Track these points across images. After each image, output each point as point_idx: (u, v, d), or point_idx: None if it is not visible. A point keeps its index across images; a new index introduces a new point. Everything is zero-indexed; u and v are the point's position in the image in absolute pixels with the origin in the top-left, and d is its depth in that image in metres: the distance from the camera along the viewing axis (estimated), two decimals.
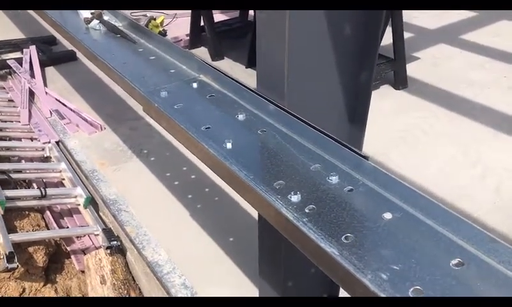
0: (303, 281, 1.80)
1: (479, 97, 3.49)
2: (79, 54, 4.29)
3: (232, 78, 1.49)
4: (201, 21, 4.39)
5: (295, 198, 1.03)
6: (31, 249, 2.34)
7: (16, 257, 2.12)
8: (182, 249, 2.28)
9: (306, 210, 1.00)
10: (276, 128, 1.30)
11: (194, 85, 1.55)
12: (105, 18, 2.11)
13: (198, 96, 1.49)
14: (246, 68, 4.12)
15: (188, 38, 4.53)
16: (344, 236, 0.93)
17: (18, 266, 2.12)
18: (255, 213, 2.48)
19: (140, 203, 2.59)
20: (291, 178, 1.10)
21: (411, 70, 3.82)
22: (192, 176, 2.79)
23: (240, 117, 1.36)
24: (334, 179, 1.08)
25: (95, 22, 2.08)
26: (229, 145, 1.23)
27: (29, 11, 4.95)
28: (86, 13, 2.15)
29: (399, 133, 3.12)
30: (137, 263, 2.34)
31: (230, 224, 2.43)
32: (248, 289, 2.06)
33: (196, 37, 4.47)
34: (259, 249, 1.76)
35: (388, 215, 0.97)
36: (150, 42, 1.90)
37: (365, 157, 1.06)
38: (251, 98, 1.41)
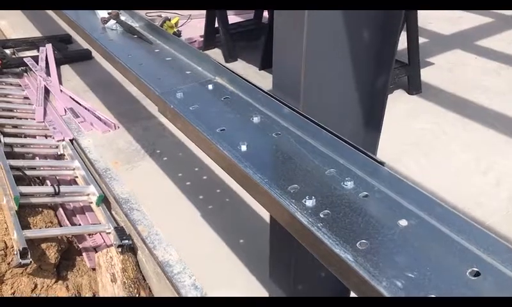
0: (313, 284, 1.80)
1: (493, 104, 3.46)
2: (94, 53, 4.33)
3: (247, 81, 1.50)
4: (216, 23, 4.41)
5: (309, 203, 1.03)
6: (43, 246, 2.37)
7: (29, 253, 2.14)
8: (193, 249, 2.28)
9: (321, 215, 1.00)
10: (291, 132, 1.30)
11: (210, 87, 1.56)
12: (122, 18, 2.13)
13: (214, 98, 1.50)
14: (260, 70, 4.12)
15: (202, 39, 4.55)
16: (358, 243, 0.92)
17: (31, 262, 2.14)
18: (265, 216, 2.49)
19: (152, 202, 2.60)
20: (306, 182, 1.10)
21: (426, 75, 3.80)
22: (204, 177, 2.80)
23: (255, 119, 1.37)
24: (349, 184, 1.08)
25: (112, 22, 2.10)
26: (244, 147, 1.23)
27: (46, 10, 5.00)
28: (102, 13, 2.17)
29: (412, 138, 3.11)
30: (148, 262, 2.35)
31: (241, 225, 2.44)
32: (258, 291, 2.06)
33: (211, 38, 4.48)
34: (270, 251, 1.76)
35: (403, 222, 0.97)
36: (167, 43, 1.92)
37: (381, 163, 1.06)
38: (266, 101, 1.41)
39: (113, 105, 3.59)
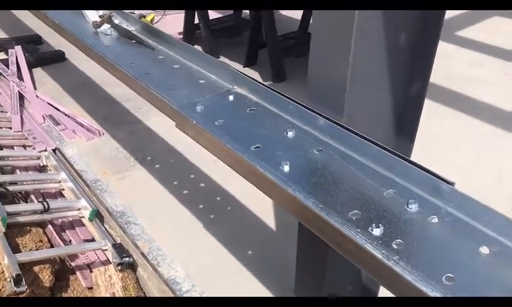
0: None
1: (483, 96, 3.47)
2: (68, 54, 4.11)
3: (272, 89, 1.39)
4: (195, 19, 4.26)
5: (377, 232, 0.93)
6: (36, 269, 2.19)
7: (24, 279, 1.97)
8: (199, 264, 2.17)
9: (394, 246, 0.90)
10: (333, 147, 1.20)
11: (231, 98, 1.44)
12: (116, 21, 1.97)
13: (238, 111, 1.38)
14: (244, 67, 4.01)
15: (181, 36, 4.39)
16: (444, 277, 0.84)
17: (26, 289, 1.97)
18: (271, 224, 2.40)
19: (149, 214, 2.46)
20: (366, 207, 1.01)
21: None
22: (202, 185, 2.67)
23: (290, 134, 1.26)
24: (414, 207, 0.99)
25: (106, 26, 1.94)
26: (286, 168, 1.12)
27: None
28: (93, 16, 2.01)
29: None
30: (152, 279, 2.21)
31: (247, 235, 2.33)
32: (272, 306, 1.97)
33: (190, 35, 4.32)
34: (297, 265, 1.67)
35: (485, 250, 0.89)
36: (171, 49, 1.78)
37: (450, 183, 0.97)
38: (297, 112, 1.31)
39: (94, 110, 3.40)
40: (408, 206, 1.00)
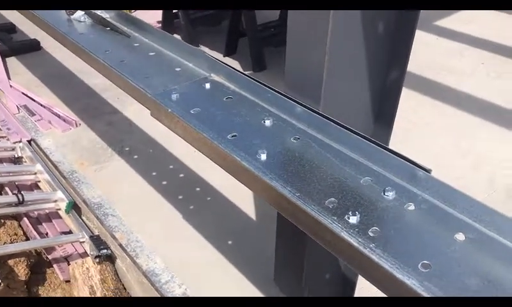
0: (319, 286, 1.72)
1: (461, 85, 3.50)
2: (44, 44, 4.02)
3: (250, 77, 1.36)
4: None
5: (353, 219, 0.92)
6: (11, 262, 2.15)
7: None
8: (179, 255, 2.14)
9: (370, 234, 0.90)
10: (310, 135, 1.19)
11: (207, 85, 1.41)
12: None
13: (214, 99, 1.35)
14: (224, 56, 3.97)
15: (160, 25, 4.32)
16: (420, 264, 0.83)
17: (1, 283, 1.93)
18: (251, 213, 2.39)
19: (127, 206, 2.42)
20: (343, 195, 1.00)
21: None
22: (181, 175, 2.64)
23: (267, 122, 1.24)
24: (390, 194, 0.99)
25: (79, 13, 1.89)
26: (263, 156, 1.11)
27: None
28: None
29: None
30: (130, 271, 2.18)
31: (227, 225, 2.32)
32: (252, 295, 1.96)
33: (169, 24, 4.26)
34: (276, 255, 1.66)
35: (460, 236, 0.89)
36: (146, 36, 1.74)
37: (427, 170, 0.97)
38: (275, 100, 1.29)
39: (71, 100, 3.33)
40: (384, 194, 0.99)
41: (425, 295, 0.78)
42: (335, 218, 0.93)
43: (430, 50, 4.07)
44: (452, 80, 3.56)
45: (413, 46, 1.35)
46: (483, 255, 0.86)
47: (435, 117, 3.16)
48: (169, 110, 1.29)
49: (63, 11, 1.95)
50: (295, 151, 1.14)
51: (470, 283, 0.80)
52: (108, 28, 1.83)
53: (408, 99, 3.36)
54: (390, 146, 2.31)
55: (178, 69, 1.53)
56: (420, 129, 3.03)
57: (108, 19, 1.86)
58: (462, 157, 2.77)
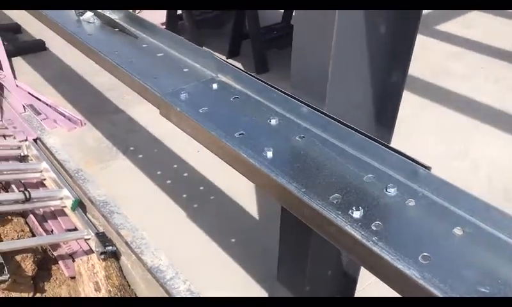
0: (321, 282, 1.76)
1: (461, 88, 3.54)
2: (49, 44, 4.07)
3: (256, 78, 1.41)
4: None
5: (357, 214, 0.97)
6: (18, 258, 2.19)
7: (6, 268, 1.97)
8: (183, 252, 2.19)
9: (373, 228, 0.94)
10: (315, 134, 1.23)
11: (215, 86, 1.46)
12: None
13: (222, 99, 1.40)
14: (227, 58, 4.01)
15: (163, 26, 4.36)
16: (420, 256, 0.87)
17: (9, 278, 1.97)
18: (253, 212, 2.43)
19: (132, 204, 2.47)
20: (346, 191, 1.04)
21: None
22: (185, 174, 2.68)
23: (273, 121, 1.28)
24: (392, 191, 1.03)
25: (89, 14, 1.93)
26: (269, 154, 1.15)
27: None
28: None
29: None
30: (135, 268, 2.23)
31: (230, 224, 2.36)
32: (256, 293, 2.00)
33: (173, 26, 4.31)
34: (280, 253, 1.70)
35: (458, 231, 0.93)
36: (154, 37, 1.78)
37: (427, 168, 1.01)
38: (280, 100, 1.33)
39: (76, 100, 3.38)
40: (386, 190, 1.03)
41: (428, 286, 0.83)
42: (340, 213, 0.98)
43: (430, 54, 4.12)
44: (452, 84, 3.61)
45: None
46: (480, 248, 0.90)
47: (434, 120, 3.21)
48: (179, 109, 1.34)
49: (73, 12, 2.00)
50: (300, 149, 1.18)
51: (468, 274, 0.84)
52: (116, 29, 1.88)
53: (407, 101, 3.41)
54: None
55: (186, 69, 1.57)
56: (418, 131, 3.07)
57: (116, 20, 1.91)
58: (460, 159, 2.81)
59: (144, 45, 1.76)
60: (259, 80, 1.39)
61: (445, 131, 3.08)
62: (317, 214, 0.99)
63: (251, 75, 1.43)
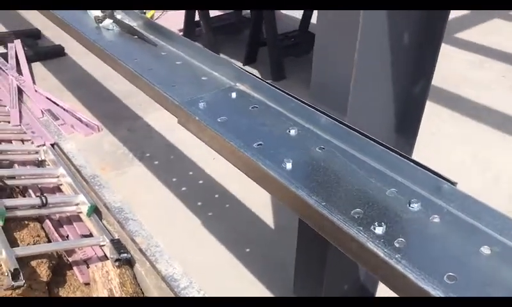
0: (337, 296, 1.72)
1: (482, 98, 3.48)
2: (68, 50, 4.10)
3: (275, 87, 1.39)
4: (196, 16, 4.26)
5: (379, 230, 0.94)
6: (33, 263, 2.19)
7: (21, 273, 1.97)
8: (197, 261, 2.17)
9: (396, 244, 0.91)
10: (335, 145, 1.20)
11: (233, 95, 1.44)
12: (118, 16, 1.96)
13: (240, 108, 1.38)
14: (244, 65, 4.00)
15: (181, 33, 4.38)
16: (446, 276, 0.84)
17: (24, 284, 1.97)
18: (269, 222, 2.40)
19: (148, 211, 2.46)
20: (368, 206, 1.01)
21: None
22: (200, 182, 2.67)
23: (292, 132, 1.26)
24: (416, 206, 1.00)
25: (108, 21, 1.94)
26: (289, 165, 1.13)
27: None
28: (95, 11, 2.00)
29: None
30: (149, 276, 2.21)
31: (245, 233, 2.33)
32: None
33: (191, 32, 4.32)
34: (296, 266, 1.67)
35: (486, 250, 0.90)
36: (173, 45, 1.78)
37: (452, 183, 0.98)
38: (299, 110, 1.31)
39: (93, 105, 3.39)
40: (409, 206, 1.00)
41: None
42: (361, 228, 0.95)
43: (450, 62, 4.06)
44: (472, 93, 3.55)
45: None
46: (509, 269, 0.86)
47: (455, 129, 3.15)
48: (197, 118, 1.32)
49: (92, 20, 2.01)
50: (320, 160, 1.16)
51: (494, 294, 0.81)
52: (135, 36, 1.87)
53: (428, 111, 3.36)
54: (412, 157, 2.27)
55: (204, 78, 1.56)
56: (439, 140, 3.02)
57: (136, 27, 1.91)
58: (482, 171, 2.76)
59: (163, 53, 1.75)
60: (278, 89, 1.37)
61: (465, 141, 3.02)
62: (338, 229, 0.97)
63: (269, 84, 1.41)
